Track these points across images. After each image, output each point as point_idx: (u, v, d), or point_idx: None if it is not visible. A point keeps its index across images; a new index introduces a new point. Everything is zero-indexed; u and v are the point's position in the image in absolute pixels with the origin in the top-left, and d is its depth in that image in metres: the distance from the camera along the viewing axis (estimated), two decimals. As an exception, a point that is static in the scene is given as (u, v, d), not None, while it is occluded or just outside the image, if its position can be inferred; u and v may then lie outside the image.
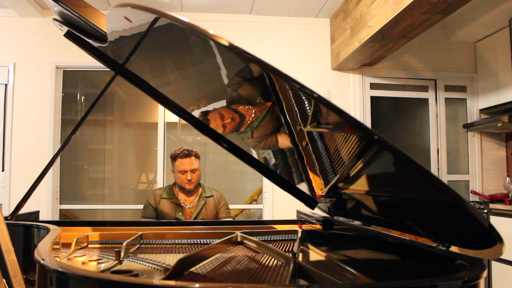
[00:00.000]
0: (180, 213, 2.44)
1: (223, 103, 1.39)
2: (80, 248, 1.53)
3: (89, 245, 1.59)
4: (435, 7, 2.41)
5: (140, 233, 1.63)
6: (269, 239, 1.69)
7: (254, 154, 1.61)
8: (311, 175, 1.38)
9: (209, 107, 1.49)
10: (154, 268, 1.27)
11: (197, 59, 1.20)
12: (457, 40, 3.91)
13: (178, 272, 1.11)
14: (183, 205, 2.48)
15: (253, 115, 1.26)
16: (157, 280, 1.13)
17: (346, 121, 0.84)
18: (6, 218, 1.49)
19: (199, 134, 3.99)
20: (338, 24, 3.62)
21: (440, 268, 0.89)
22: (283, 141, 1.30)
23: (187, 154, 2.46)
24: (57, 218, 3.54)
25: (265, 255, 1.41)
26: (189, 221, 2.36)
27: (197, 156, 2.49)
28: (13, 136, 3.50)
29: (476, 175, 3.89)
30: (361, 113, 3.77)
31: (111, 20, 1.18)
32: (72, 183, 3.83)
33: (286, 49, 3.79)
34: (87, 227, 1.70)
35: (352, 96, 3.81)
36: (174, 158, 2.50)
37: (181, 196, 2.50)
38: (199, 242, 1.66)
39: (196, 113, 1.58)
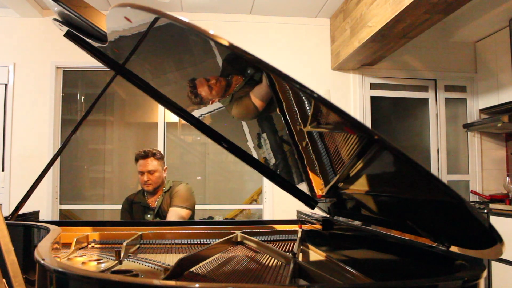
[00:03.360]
0: (149, 215, 2.46)
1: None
2: (80, 248, 1.53)
3: (89, 245, 1.59)
4: (435, 7, 2.41)
5: (140, 233, 1.63)
6: (269, 239, 1.69)
7: (254, 154, 1.61)
8: (311, 175, 1.38)
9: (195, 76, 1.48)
10: (154, 268, 1.27)
11: (197, 59, 1.20)
12: (457, 40, 3.91)
13: (178, 272, 1.11)
14: (150, 206, 2.49)
15: (238, 83, 1.26)
16: (157, 280, 1.13)
17: (346, 121, 0.84)
18: (6, 218, 1.49)
19: (199, 134, 3.99)
20: (338, 24, 3.62)
21: (440, 268, 0.89)
22: (256, 100, 1.29)
23: (144, 155, 2.43)
24: (57, 218, 3.54)
25: (265, 255, 1.41)
26: (189, 221, 2.36)
27: (156, 157, 2.45)
28: (13, 136, 3.50)
29: (476, 175, 3.89)
30: (361, 113, 3.77)
31: (111, 20, 1.18)
32: (72, 183, 3.83)
33: (286, 49, 3.79)
34: (87, 227, 1.70)
35: (352, 96, 3.82)
36: (136, 159, 2.49)
37: (148, 198, 2.52)
38: (199, 242, 1.66)
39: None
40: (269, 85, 1.11)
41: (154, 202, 2.50)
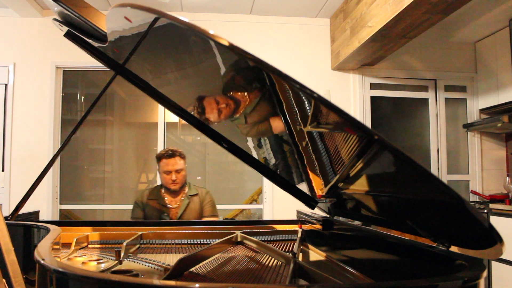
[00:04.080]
0: (166, 214, 2.44)
1: (219, 90, 1.38)
2: (80, 248, 1.53)
3: (89, 245, 1.59)
4: (435, 7, 2.41)
5: (140, 233, 1.63)
6: (269, 239, 1.69)
7: (254, 154, 1.61)
8: (311, 175, 1.38)
9: (205, 94, 1.48)
10: (154, 268, 1.27)
11: (197, 59, 1.20)
12: (457, 40, 3.91)
13: (178, 272, 1.11)
14: (168, 205, 2.47)
15: (247, 101, 1.26)
16: (157, 280, 1.13)
17: (346, 121, 0.84)
18: (6, 218, 1.49)
19: (199, 134, 3.99)
20: (338, 24, 3.62)
21: (440, 268, 0.89)
22: (276, 126, 1.29)
23: (171, 154, 2.44)
24: (57, 218, 3.54)
25: (265, 255, 1.41)
26: (189, 221, 2.36)
27: (181, 156, 2.48)
28: (13, 136, 3.50)
29: (476, 175, 3.89)
30: (361, 113, 3.77)
31: (111, 20, 1.18)
32: (72, 183, 3.83)
33: (286, 49, 3.79)
34: (87, 227, 1.70)
35: (352, 96, 3.81)
36: (159, 158, 2.49)
37: (167, 197, 2.49)
38: (199, 242, 1.66)
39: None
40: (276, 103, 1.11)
41: (175, 202, 2.48)
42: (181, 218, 2.44)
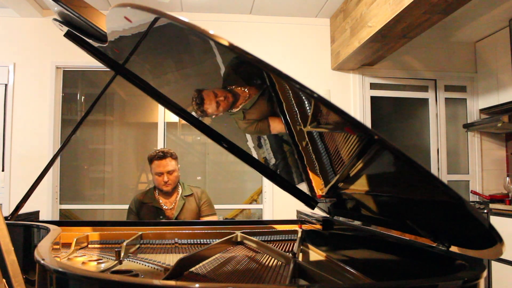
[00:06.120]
0: (161, 217, 2.42)
1: (218, 84, 1.38)
2: (80, 248, 1.53)
3: (89, 245, 1.59)
4: (435, 7, 2.41)
5: (140, 233, 1.63)
6: (269, 239, 1.69)
7: (254, 154, 1.61)
8: (311, 175, 1.38)
9: (203, 87, 1.48)
10: (154, 268, 1.27)
11: (197, 59, 1.20)
12: (457, 40, 3.91)
13: (178, 272, 1.11)
14: (164, 207, 2.45)
15: (247, 96, 1.26)
16: (157, 280, 1.13)
17: (346, 121, 0.84)
18: (6, 218, 1.49)
19: (199, 134, 3.99)
20: (338, 24, 3.62)
21: (440, 268, 0.89)
22: (275, 126, 1.29)
23: (162, 156, 2.42)
24: (57, 218, 3.54)
25: (265, 255, 1.41)
26: (189, 221, 2.36)
27: (173, 157, 2.45)
28: (13, 136, 3.50)
29: (476, 175, 3.89)
30: (361, 113, 3.78)
31: (111, 20, 1.18)
32: (72, 183, 3.83)
33: (286, 49, 3.79)
34: (87, 227, 1.70)
35: (352, 96, 3.82)
36: (150, 160, 2.46)
37: (161, 199, 2.48)
38: (199, 242, 1.66)
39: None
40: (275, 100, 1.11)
41: (169, 203, 2.46)
42: (177, 218, 2.43)
